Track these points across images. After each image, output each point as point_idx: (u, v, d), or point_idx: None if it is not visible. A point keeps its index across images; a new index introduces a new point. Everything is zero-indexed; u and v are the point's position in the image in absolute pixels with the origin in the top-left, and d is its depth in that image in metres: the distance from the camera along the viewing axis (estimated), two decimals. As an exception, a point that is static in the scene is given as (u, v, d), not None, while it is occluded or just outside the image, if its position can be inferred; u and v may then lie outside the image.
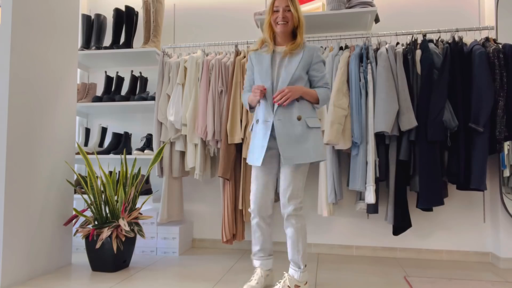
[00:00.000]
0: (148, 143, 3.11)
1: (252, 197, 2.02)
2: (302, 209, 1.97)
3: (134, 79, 3.24)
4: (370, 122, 2.46)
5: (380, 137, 2.52)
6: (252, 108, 2.09)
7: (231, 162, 2.63)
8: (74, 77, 2.74)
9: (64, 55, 2.62)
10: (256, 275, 2.05)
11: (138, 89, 3.22)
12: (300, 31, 1.97)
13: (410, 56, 2.53)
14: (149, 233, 2.92)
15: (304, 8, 2.92)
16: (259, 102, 1.99)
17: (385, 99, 2.42)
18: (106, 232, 2.34)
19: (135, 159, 2.72)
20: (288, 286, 1.95)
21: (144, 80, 3.24)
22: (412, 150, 2.48)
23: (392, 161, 2.51)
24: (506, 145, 2.52)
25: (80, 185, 2.97)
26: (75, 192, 2.92)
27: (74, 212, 2.55)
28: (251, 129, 2.08)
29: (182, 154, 2.90)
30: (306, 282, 2.00)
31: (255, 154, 1.97)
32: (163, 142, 2.83)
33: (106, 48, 3.16)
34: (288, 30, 1.97)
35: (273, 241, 3.04)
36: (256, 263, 2.10)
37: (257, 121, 2.00)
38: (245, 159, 2.63)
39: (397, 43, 2.70)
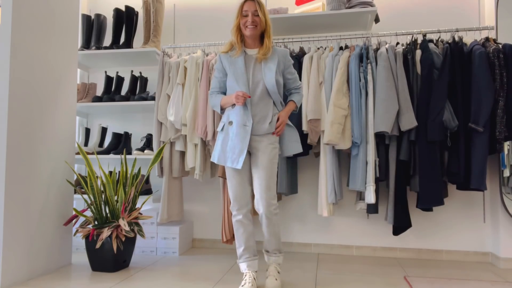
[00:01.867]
0: (148, 143, 3.11)
1: (232, 194, 2.07)
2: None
3: (134, 79, 3.24)
4: (370, 122, 2.46)
5: (380, 137, 2.52)
6: (223, 110, 2.14)
7: (231, 162, 2.63)
8: (74, 77, 2.74)
9: (64, 55, 2.62)
10: (249, 278, 2.05)
11: (138, 89, 3.22)
12: (268, 34, 2.06)
13: (410, 56, 2.53)
14: (149, 233, 2.92)
15: (304, 8, 2.92)
16: (233, 105, 2.05)
17: (385, 99, 2.42)
18: (106, 232, 2.34)
19: (135, 159, 2.72)
20: (278, 272, 2.13)
21: (144, 80, 3.24)
22: (412, 150, 2.48)
23: (392, 161, 2.51)
24: (506, 145, 2.52)
25: (80, 185, 2.97)
26: (75, 192, 2.92)
27: (74, 212, 2.56)
28: (221, 129, 2.10)
29: (182, 154, 2.90)
30: None
31: (232, 156, 2.02)
32: (163, 142, 2.84)
33: (106, 48, 3.16)
34: (257, 33, 2.06)
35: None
36: (243, 266, 2.09)
37: (231, 122, 2.06)
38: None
39: (397, 43, 2.70)
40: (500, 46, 2.42)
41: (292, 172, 2.76)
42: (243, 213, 2.07)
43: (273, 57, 2.07)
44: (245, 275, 2.07)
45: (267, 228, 2.07)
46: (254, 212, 2.82)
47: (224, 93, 2.16)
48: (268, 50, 2.04)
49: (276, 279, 2.06)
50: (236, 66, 2.07)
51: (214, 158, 2.08)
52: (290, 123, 2.15)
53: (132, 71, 3.27)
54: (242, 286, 2.02)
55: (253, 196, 2.12)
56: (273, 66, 2.04)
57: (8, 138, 2.14)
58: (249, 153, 2.09)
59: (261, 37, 2.09)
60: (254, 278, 2.06)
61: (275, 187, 2.06)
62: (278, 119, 2.07)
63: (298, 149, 2.15)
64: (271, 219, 2.04)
